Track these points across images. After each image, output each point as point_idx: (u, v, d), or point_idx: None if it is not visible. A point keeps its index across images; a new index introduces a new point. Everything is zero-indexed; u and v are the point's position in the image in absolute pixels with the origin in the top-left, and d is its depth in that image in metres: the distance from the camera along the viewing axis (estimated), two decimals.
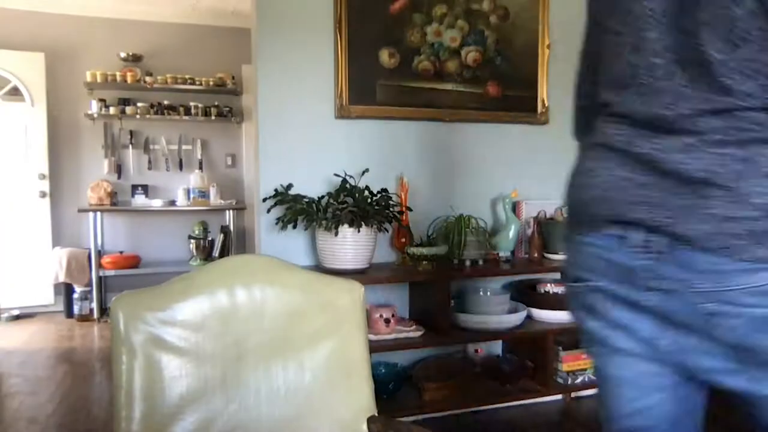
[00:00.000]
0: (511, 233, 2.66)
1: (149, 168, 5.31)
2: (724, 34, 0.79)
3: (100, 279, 4.78)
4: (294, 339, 1.41)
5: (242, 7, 5.08)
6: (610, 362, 0.99)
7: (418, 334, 2.40)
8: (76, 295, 4.72)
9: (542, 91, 2.86)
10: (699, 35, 0.82)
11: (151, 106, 5.12)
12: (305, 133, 2.55)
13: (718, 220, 0.80)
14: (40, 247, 4.91)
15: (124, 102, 5.10)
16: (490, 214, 2.85)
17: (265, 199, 2.46)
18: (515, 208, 2.81)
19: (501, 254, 2.70)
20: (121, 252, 5.02)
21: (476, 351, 2.81)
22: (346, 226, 2.25)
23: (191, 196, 5.13)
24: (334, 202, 2.33)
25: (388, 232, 2.65)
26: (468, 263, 2.53)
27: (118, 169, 5.20)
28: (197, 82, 5.18)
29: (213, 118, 5.30)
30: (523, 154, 2.90)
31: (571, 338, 2.72)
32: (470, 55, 2.74)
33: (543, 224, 2.73)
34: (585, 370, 2.64)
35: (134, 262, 4.92)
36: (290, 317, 1.42)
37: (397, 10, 2.59)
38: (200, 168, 5.39)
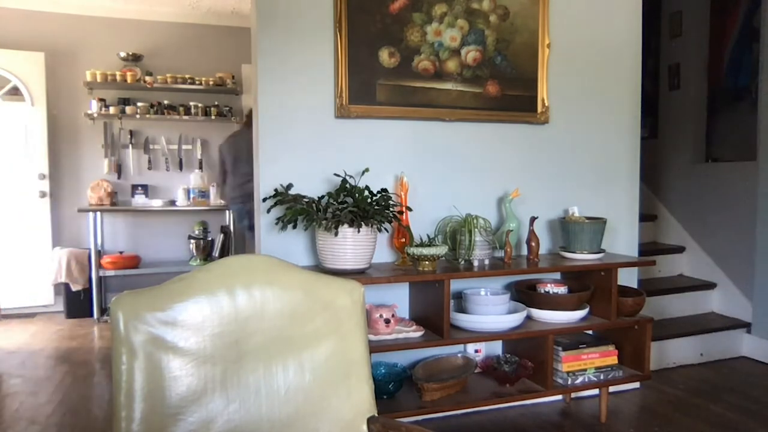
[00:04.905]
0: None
1: (149, 168, 5.31)
2: None
3: (100, 279, 4.78)
4: (294, 339, 1.41)
5: (242, 6, 5.08)
6: None
7: (418, 334, 2.39)
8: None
9: (542, 91, 2.85)
10: None
11: (151, 105, 5.12)
12: (305, 132, 2.55)
13: None
14: (40, 247, 4.92)
15: (124, 102, 5.10)
16: (490, 213, 2.84)
17: (265, 199, 2.46)
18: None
19: (500, 254, 2.70)
20: (121, 252, 5.02)
21: (476, 351, 2.81)
22: (346, 226, 2.25)
23: (191, 196, 5.14)
24: (334, 202, 2.32)
25: (388, 232, 2.65)
26: (476, 263, 2.53)
27: (118, 168, 5.20)
28: (197, 82, 5.18)
29: (213, 117, 5.30)
30: (522, 154, 2.90)
31: (571, 338, 2.72)
32: (470, 54, 2.74)
33: (561, 223, 2.74)
34: (585, 370, 2.64)
35: (134, 262, 4.92)
36: (290, 317, 1.42)
37: (397, 9, 2.59)
38: (200, 168, 5.39)
